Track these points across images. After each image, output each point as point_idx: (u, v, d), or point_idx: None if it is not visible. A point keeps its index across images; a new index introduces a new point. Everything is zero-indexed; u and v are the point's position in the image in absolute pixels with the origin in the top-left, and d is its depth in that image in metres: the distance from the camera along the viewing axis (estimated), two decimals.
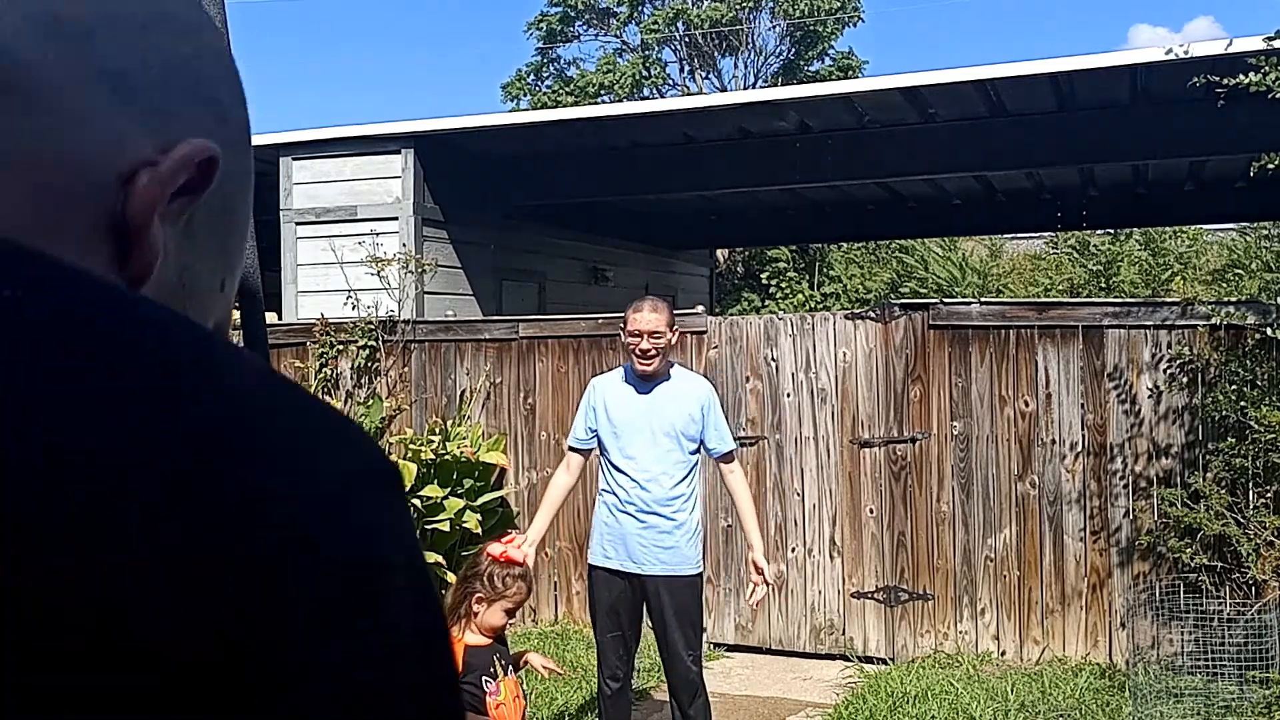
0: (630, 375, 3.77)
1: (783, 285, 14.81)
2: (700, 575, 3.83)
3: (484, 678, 2.88)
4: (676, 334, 3.80)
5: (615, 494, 3.72)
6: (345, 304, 6.94)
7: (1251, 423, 4.76)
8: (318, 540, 0.35)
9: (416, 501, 5.84)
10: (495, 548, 3.05)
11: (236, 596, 0.33)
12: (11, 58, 0.40)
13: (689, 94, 20.89)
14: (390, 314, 6.72)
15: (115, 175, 0.42)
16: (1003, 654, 5.38)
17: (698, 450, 3.78)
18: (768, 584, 3.87)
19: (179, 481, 0.33)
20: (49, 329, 0.34)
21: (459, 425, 6.20)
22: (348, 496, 0.37)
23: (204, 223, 0.45)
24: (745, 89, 20.94)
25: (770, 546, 5.76)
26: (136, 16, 0.44)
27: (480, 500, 5.99)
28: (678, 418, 3.69)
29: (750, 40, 22.18)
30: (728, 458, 3.87)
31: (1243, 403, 4.82)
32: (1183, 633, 4.88)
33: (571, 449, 3.90)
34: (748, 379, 5.79)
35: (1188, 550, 4.85)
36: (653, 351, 3.65)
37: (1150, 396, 5.14)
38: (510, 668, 3.01)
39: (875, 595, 5.58)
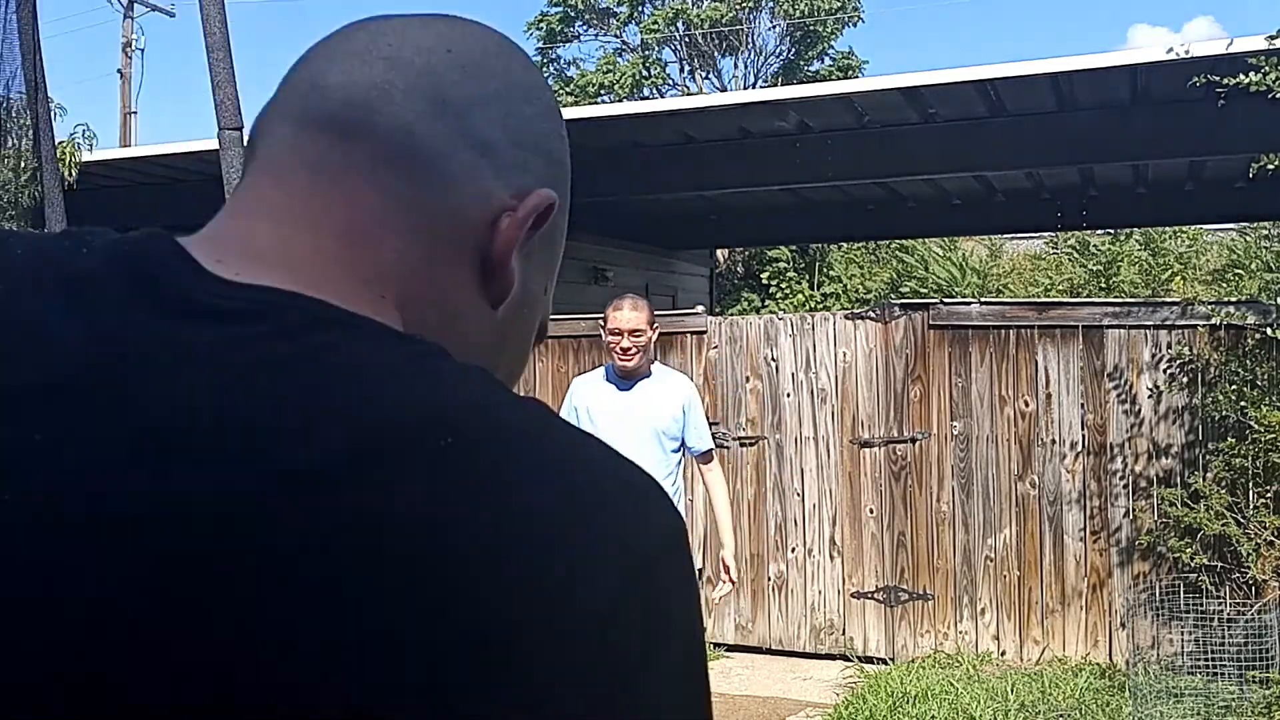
0: (611, 374, 3.78)
1: (783, 285, 14.80)
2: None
3: None
4: (657, 331, 3.81)
5: None
6: None
7: (1251, 423, 4.76)
8: (628, 600, 0.42)
9: None
10: None
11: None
12: (414, 134, 0.53)
13: (689, 94, 20.89)
14: None
15: (484, 221, 0.54)
16: (1003, 654, 5.37)
17: (680, 449, 3.77)
18: (733, 583, 3.90)
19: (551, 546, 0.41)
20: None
21: None
22: (655, 561, 0.44)
23: (538, 247, 0.57)
24: (745, 89, 20.94)
25: (770, 546, 5.76)
26: (499, 92, 0.56)
27: None
28: (660, 417, 3.69)
29: (750, 40, 22.18)
30: (707, 457, 3.88)
31: (1243, 403, 4.82)
32: (1183, 633, 4.88)
33: None
34: (747, 379, 5.79)
35: (1188, 550, 4.85)
36: (633, 350, 3.65)
37: (1150, 396, 5.13)
38: None
39: (875, 595, 5.58)
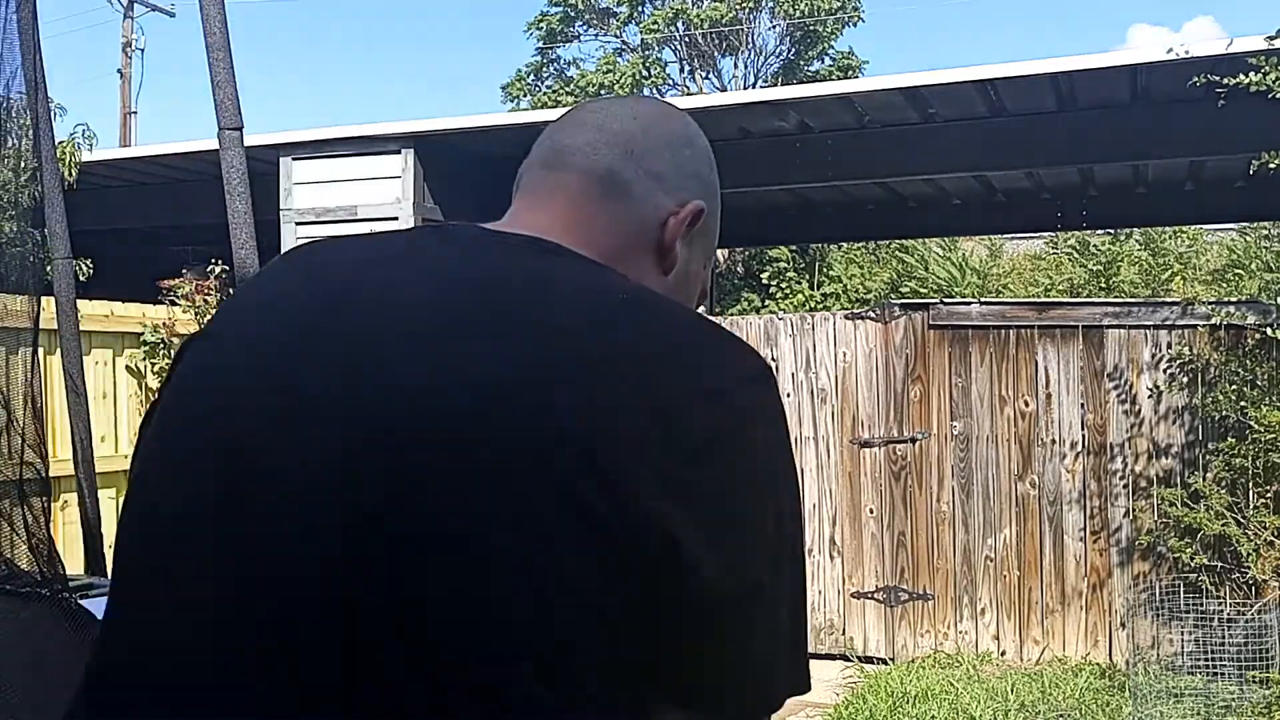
0: None
1: (782, 285, 14.80)
2: None
3: None
4: None
5: None
6: None
7: (1251, 423, 4.76)
8: (715, 412, 0.72)
9: None
10: None
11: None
12: (613, 171, 0.88)
13: (689, 94, 20.91)
14: None
15: (658, 222, 0.89)
16: (1003, 654, 5.37)
17: None
18: None
19: (667, 369, 0.73)
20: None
21: None
22: (732, 388, 0.75)
23: (695, 238, 0.92)
24: (745, 89, 20.95)
25: None
26: (667, 142, 0.92)
27: None
28: None
29: (750, 40, 22.18)
30: None
31: (1243, 403, 4.82)
32: (1183, 633, 4.88)
33: None
34: None
35: (1188, 550, 4.85)
36: None
37: (1150, 396, 5.13)
38: None
39: (875, 595, 5.57)
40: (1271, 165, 4.73)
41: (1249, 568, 4.74)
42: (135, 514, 0.79)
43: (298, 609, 0.68)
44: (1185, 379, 5.07)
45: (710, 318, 1.10)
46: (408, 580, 0.66)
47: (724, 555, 0.69)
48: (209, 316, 0.71)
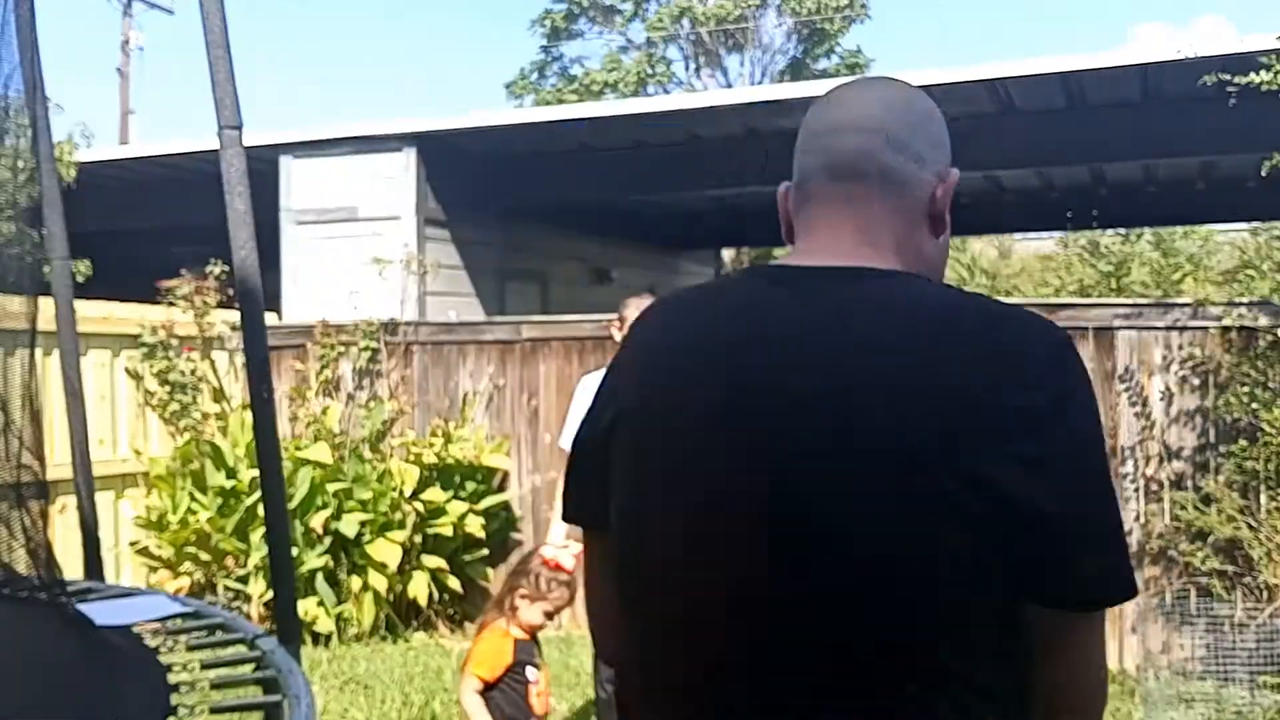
0: None
1: None
2: None
3: (528, 668, 3.04)
4: None
5: None
6: (346, 305, 6.90)
7: (1263, 425, 4.71)
8: (1043, 392, 0.93)
9: (418, 505, 5.80)
10: (548, 551, 3.12)
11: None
12: (889, 167, 1.05)
13: (694, 92, 20.84)
14: (391, 315, 6.67)
15: (927, 197, 1.06)
16: None
17: None
18: None
19: (992, 353, 0.95)
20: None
21: (461, 428, 6.15)
22: (1043, 357, 0.96)
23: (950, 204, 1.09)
24: (752, 87, 20.87)
25: None
26: (917, 122, 1.08)
27: (483, 504, 5.95)
28: None
29: (757, 38, 22.12)
30: None
31: (1254, 405, 4.77)
32: (1194, 638, 4.83)
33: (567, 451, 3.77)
34: None
35: (1199, 554, 4.80)
36: None
37: (1161, 399, 5.08)
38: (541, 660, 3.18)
39: None
40: None
41: (1261, 571, 4.69)
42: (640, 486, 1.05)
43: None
44: (1197, 381, 5.02)
45: (1004, 301, 1.26)
46: (832, 566, 0.90)
47: (1065, 499, 0.88)
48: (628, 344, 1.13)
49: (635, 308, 3.59)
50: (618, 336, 3.66)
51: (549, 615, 3.07)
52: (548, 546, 3.14)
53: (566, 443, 3.77)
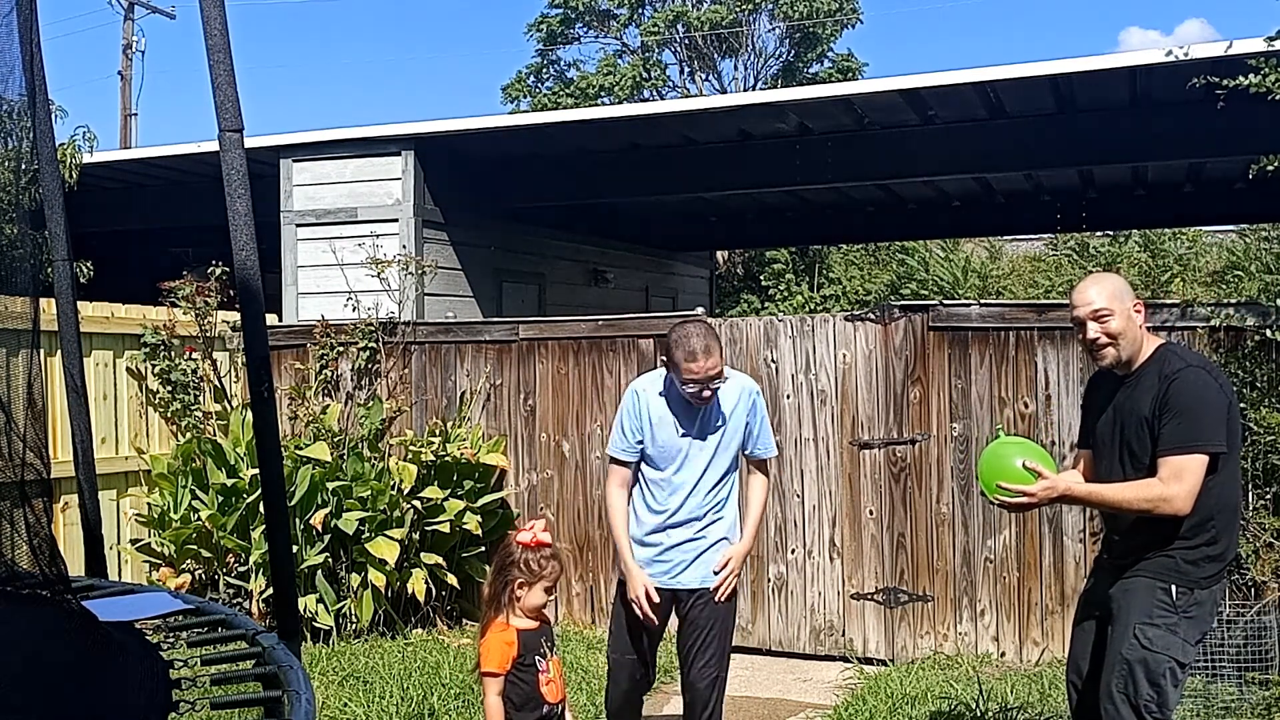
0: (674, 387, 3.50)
1: (782, 287, 14.80)
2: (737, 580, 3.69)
3: (536, 657, 3.08)
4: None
5: (651, 505, 3.52)
6: (345, 306, 6.94)
7: (1251, 425, 4.76)
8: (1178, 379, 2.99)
9: (416, 503, 5.84)
10: (524, 535, 3.14)
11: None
12: None
13: (689, 96, 20.90)
14: (390, 316, 6.71)
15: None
16: (1002, 655, 5.37)
17: (738, 454, 3.59)
18: (734, 574, 3.65)
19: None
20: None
21: (459, 427, 6.20)
22: (1183, 369, 2.96)
23: None
24: (745, 91, 20.94)
25: (770, 548, 5.75)
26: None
27: (480, 502, 5.99)
28: (725, 425, 3.49)
29: (750, 42, 22.19)
30: (764, 464, 3.69)
31: (1242, 404, 4.82)
32: None
33: (618, 461, 3.58)
34: None
35: None
36: (710, 393, 3.38)
37: None
38: (554, 648, 3.20)
39: (875, 596, 5.58)
40: (1270, 167, 4.73)
41: (1249, 569, 4.75)
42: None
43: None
44: None
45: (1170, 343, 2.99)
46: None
47: (1174, 421, 2.86)
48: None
49: (690, 359, 3.33)
50: (679, 376, 3.38)
51: (549, 590, 3.12)
52: (522, 532, 3.14)
53: (616, 450, 3.59)
